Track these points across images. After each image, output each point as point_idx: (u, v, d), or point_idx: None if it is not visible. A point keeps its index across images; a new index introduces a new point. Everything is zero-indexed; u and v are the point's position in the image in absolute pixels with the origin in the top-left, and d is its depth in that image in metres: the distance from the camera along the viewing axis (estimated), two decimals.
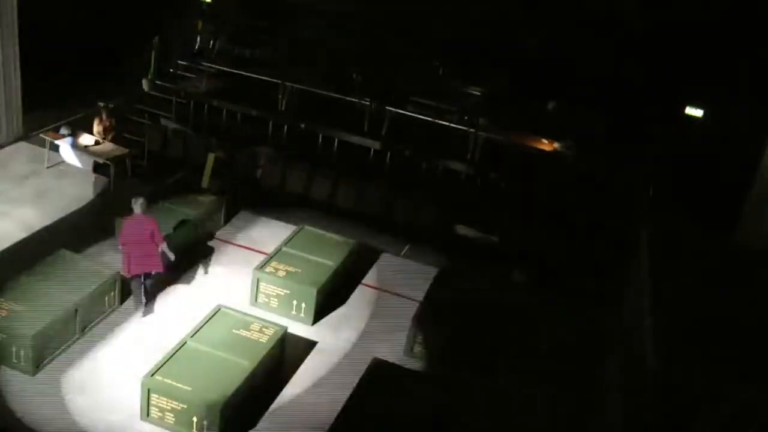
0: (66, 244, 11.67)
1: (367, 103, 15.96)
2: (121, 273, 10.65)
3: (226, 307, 10.40)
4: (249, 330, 9.97)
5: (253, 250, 12.89)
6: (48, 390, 9.20)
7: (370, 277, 12.68)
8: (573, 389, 10.67)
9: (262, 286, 11.27)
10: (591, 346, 11.71)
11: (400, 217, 14.41)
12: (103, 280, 10.43)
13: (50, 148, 14.28)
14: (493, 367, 10.82)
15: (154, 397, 8.83)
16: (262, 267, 11.39)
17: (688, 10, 15.83)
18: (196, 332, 9.79)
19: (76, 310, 9.91)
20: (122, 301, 10.88)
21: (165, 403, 8.79)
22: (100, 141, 14.16)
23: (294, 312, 11.17)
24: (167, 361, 9.16)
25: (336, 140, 15.54)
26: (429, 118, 15.62)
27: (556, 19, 17.77)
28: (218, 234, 13.20)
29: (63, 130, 14.29)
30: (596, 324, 12.19)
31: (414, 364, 10.48)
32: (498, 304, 11.80)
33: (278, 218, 14.09)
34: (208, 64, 17.35)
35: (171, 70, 18.23)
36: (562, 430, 10.01)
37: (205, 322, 10.02)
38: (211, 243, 12.94)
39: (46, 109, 15.57)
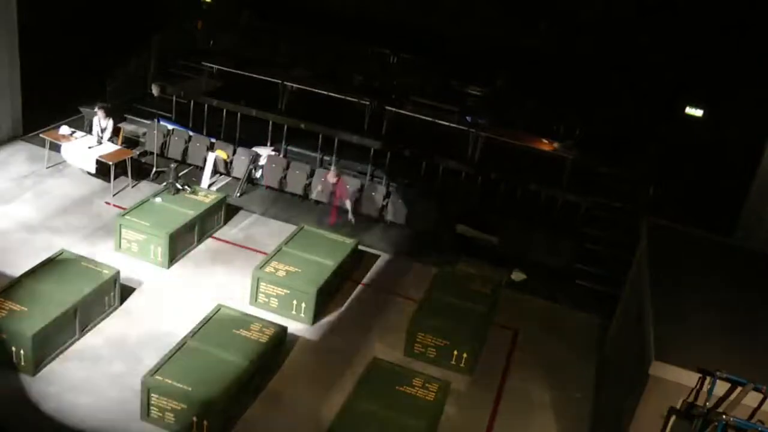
0: (66, 244, 11.70)
1: (367, 103, 15.98)
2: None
3: (226, 307, 10.41)
4: (249, 330, 9.97)
5: (253, 250, 12.89)
6: (48, 390, 9.20)
7: (370, 277, 12.68)
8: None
9: (262, 286, 11.26)
10: (590, 346, 11.74)
11: (400, 217, 14.40)
12: (103, 280, 10.43)
13: (50, 148, 14.28)
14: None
15: (154, 396, 8.82)
16: (262, 267, 11.39)
17: (688, 9, 15.84)
18: (196, 332, 9.80)
19: (76, 310, 9.91)
20: (122, 301, 10.90)
21: (165, 402, 8.79)
22: (101, 141, 14.16)
23: (294, 312, 11.17)
24: (167, 360, 9.15)
25: (336, 140, 15.55)
26: (429, 118, 15.64)
27: (557, 19, 17.78)
28: (218, 234, 13.20)
29: (63, 130, 14.30)
30: (594, 324, 12.22)
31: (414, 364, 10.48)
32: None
33: (278, 218, 14.10)
34: (208, 64, 17.37)
35: (171, 70, 18.25)
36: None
37: (205, 322, 10.02)
38: (211, 243, 12.95)
39: (46, 109, 15.58)
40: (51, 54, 15.45)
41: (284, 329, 10.20)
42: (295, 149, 16.07)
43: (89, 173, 14.03)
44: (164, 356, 9.24)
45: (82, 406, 9.02)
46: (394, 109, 15.87)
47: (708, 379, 7.28)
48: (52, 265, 10.58)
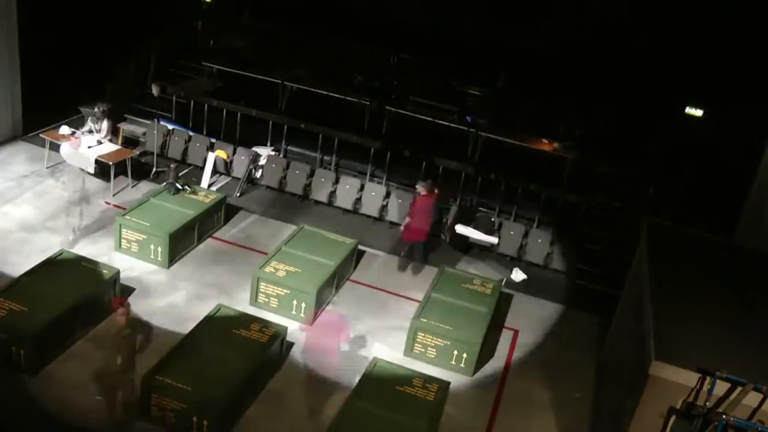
0: (66, 244, 11.70)
1: (367, 103, 15.97)
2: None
3: (226, 307, 10.41)
4: (249, 330, 9.97)
5: (253, 250, 12.89)
6: (48, 390, 9.19)
7: (369, 277, 12.67)
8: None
9: (262, 286, 11.26)
10: (589, 344, 11.74)
11: (400, 217, 14.39)
12: (103, 280, 10.44)
13: (50, 148, 14.28)
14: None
15: (154, 396, 8.83)
16: (262, 267, 11.38)
17: (688, 10, 15.85)
18: (196, 332, 9.80)
19: (76, 310, 9.91)
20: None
21: (165, 402, 8.79)
22: (101, 141, 14.15)
23: (294, 312, 11.17)
24: (167, 360, 9.16)
25: (336, 140, 15.55)
26: (429, 118, 15.64)
27: (557, 19, 17.79)
28: (218, 234, 13.20)
29: (63, 130, 14.29)
30: (594, 324, 12.22)
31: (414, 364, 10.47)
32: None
33: (278, 218, 14.09)
34: (208, 64, 17.36)
35: (171, 70, 18.26)
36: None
37: (205, 322, 10.02)
38: (211, 243, 12.94)
39: (46, 109, 15.57)
40: (51, 54, 15.46)
41: (284, 329, 10.20)
42: (295, 149, 16.07)
43: (89, 173, 14.03)
44: (164, 356, 9.24)
45: (82, 406, 9.01)
46: (394, 109, 15.87)
47: (708, 379, 7.27)
48: (52, 265, 10.59)
